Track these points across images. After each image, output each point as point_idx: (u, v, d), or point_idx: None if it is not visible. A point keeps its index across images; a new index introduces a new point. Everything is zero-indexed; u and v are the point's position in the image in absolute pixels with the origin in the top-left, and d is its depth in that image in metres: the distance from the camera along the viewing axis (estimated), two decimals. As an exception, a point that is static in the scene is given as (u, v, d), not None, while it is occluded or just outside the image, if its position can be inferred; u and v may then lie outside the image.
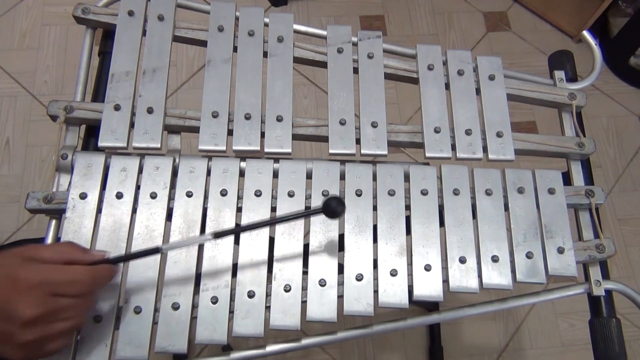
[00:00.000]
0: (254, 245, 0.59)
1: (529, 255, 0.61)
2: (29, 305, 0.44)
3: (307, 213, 0.55)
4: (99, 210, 0.59)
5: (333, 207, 0.53)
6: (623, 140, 1.59)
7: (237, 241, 0.59)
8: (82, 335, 0.54)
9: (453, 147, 0.67)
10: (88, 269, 0.49)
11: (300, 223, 0.60)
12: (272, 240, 0.60)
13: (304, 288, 0.58)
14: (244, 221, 0.60)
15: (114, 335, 0.55)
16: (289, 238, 0.60)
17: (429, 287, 0.59)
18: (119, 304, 0.56)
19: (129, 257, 0.54)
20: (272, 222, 0.56)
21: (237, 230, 0.57)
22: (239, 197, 0.61)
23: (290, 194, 0.62)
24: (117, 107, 0.63)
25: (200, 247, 0.58)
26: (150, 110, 0.64)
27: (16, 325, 0.44)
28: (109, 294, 0.56)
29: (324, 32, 0.72)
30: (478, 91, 0.70)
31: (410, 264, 0.60)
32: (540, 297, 0.63)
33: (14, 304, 0.44)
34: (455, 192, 0.64)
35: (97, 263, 0.51)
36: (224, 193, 0.61)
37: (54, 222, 0.60)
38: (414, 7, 1.73)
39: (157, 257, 0.57)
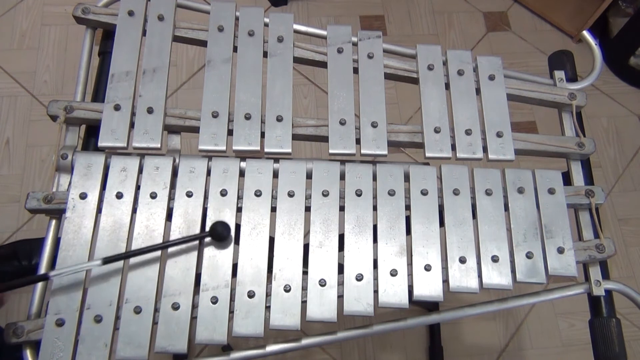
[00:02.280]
0: (254, 245, 0.59)
1: (529, 255, 0.61)
2: None
3: (194, 237, 0.57)
4: (99, 210, 0.59)
5: (219, 231, 0.56)
6: (623, 140, 1.59)
7: (237, 241, 0.59)
8: (82, 335, 0.54)
9: (453, 147, 0.67)
10: None
11: (300, 223, 0.60)
12: (272, 240, 0.60)
13: (304, 288, 0.58)
14: (244, 221, 0.60)
15: (114, 335, 0.55)
16: (289, 238, 0.60)
17: (429, 287, 0.59)
18: (119, 304, 0.56)
19: (13, 285, 0.53)
20: (161, 247, 0.56)
21: (127, 256, 0.56)
22: (239, 197, 0.61)
23: (290, 194, 0.62)
24: (117, 107, 0.63)
25: (201, 247, 0.58)
26: (150, 110, 0.64)
27: None
28: (109, 294, 0.56)
29: (324, 32, 0.72)
30: (478, 91, 0.70)
31: (410, 264, 0.60)
32: (540, 297, 0.63)
33: None
34: (455, 192, 0.64)
35: None
36: (224, 193, 0.61)
37: (54, 222, 0.60)
38: (414, 7, 1.73)
39: (157, 254, 0.57)
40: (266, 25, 0.71)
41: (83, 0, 0.71)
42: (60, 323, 0.54)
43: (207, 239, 0.58)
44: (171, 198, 0.61)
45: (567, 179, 0.68)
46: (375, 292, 0.59)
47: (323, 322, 0.57)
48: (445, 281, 0.60)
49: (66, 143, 0.64)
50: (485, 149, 0.67)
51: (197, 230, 0.59)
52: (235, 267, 0.58)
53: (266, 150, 0.64)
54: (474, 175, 0.65)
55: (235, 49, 0.69)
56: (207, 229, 0.57)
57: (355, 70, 0.70)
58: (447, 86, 0.70)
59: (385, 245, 0.60)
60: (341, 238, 0.60)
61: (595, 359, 0.61)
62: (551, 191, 0.65)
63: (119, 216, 0.59)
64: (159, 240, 0.58)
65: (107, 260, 0.52)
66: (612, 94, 1.65)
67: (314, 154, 1.45)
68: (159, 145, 0.63)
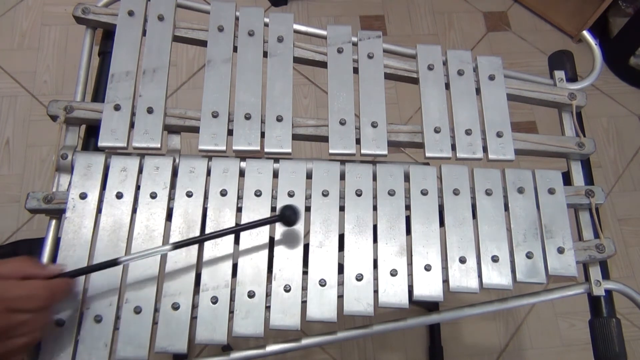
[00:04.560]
0: (254, 245, 0.59)
1: (529, 255, 0.61)
2: None
3: (265, 221, 0.57)
4: (99, 210, 0.59)
5: (288, 215, 0.56)
6: (623, 140, 1.59)
7: (237, 241, 0.59)
8: (82, 335, 0.54)
9: (453, 147, 0.67)
10: (45, 284, 0.49)
11: (300, 223, 0.60)
12: (272, 240, 0.60)
13: (304, 288, 0.58)
14: (244, 221, 0.60)
15: (114, 335, 0.55)
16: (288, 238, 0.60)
17: (429, 287, 0.59)
18: (119, 304, 0.56)
19: (86, 270, 0.54)
20: (233, 231, 0.56)
21: (198, 240, 0.56)
22: (239, 197, 0.61)
23: (290, 194, 0.62)
24: (117, 107, 0.63)
25: (200, 247, 0.58)
26: (150, 110, 0.64)
27: None
28: (109, 294, 0.56)
29: (324, 32, 0.72)
30: (478, 91, 0.70)
31: (410, 264, 0.60)
32: (540, 297, 0.63)
33: None
34: (455, 192, 0.64)
35: (55, 277, 0.51)
36: (224, 193, 0.61)
37: (54, 222, 0.60)
38: (414, 7, 1.73)
39: (157, 257, 0.57)
40: (266, 25, 0.71)
41: (83, 0, 0.71)
42: (60, 323, 0.54)
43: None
44: (171, 198, 0.61)
45: (567, 179, 0.68)
46: (375, 292, 0.59)
47: (323, 322, 0.57)
48: (445, 281, 0.60)
49: (66, 143, 0.64)
50: (485, 149, 0.67)
51: (197, 231, 0.59)
52: (235, 267, 0.58)
53: (266, 150, 0.64)
54: (474, 175, 0.65)
55: (235, 49, 0.69)
56: (277, 212, 0.57)
57: (355, 70, 0.70)
58: (447, 86, 0.70)
59: (385, 245, 0.60)
60: (341, 238, 0.60)
61: (595, 359, 0.61)
62: (551, 191, 0.65)
63: (119, 216, 0.59)
64: (158, 240, 0.58)
65: (177, 245, 0.52)
66: (612, 94, 1.65)
67: (314, 154, 1.45)
68: (159, 145, 0.63)
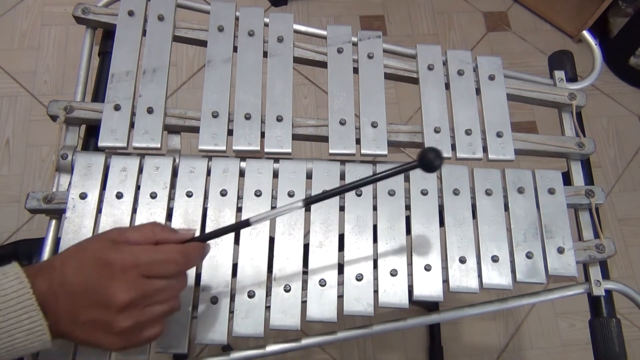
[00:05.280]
0: (254, 245, 0.59)
1: (529, 255, 0.61)
2: (123, 290, 0.42)
3: (403, 168, 0.48)
4: (99, 210, 0.59)
5: (430, 159, 0.47)
6: (623, 140, 1.59)
7: (237, 241, 0.59)
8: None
9: (453, 147, 0.67)
10: (180, 248, 0.46)
11: (300, 223, 0.60)
12: (272, 240, 0.60)
13: (304, 288, 0.58)
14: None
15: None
16: (289, 238, 0.60)
17: (429, 287, 0.59)
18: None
19: (218, 232, 0.50)
20: (369, 181, 0.50)
21: (327, 196, 0.50)
22: (239, 197, 0.61)
23: (290, 194, 0.62)
24: (117, 107, 0.63)
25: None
26: (150, 110, 0.64)
27: (113, 311, 0.42)
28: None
29: (324, 32, 0.72)
30: (478, 91, 0.70)
31: (410, 264, 0.60)
32: (540, 297, 0.63)
33: (109, 289, 0.42)
34: (455, 192, 0.64)
35: (187, 242, 0.48)
36: (224, 193, 0.61)
37: (54, 222, 0.60)
38: (414, 7, 1.73)
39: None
40: (266, 25, 0.71)
41: (83, 0, 0.71)
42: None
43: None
44: (171, 198, 0.61)
45: (567, 179, 0.68)
46: (375, 292, 0.59)
47: (323, 322, 0.57)
48: (445, 281, 0.60)
49: (66, 143, 0.64)
50: (485, 149, 0.67)
51: (197, 231, 0.59)
52: (235, 267, 0.58)
53: (266, 150, 0.64)
54: (474, 175, 0.65)
55: (235, 49, 0.69)
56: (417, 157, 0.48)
57: (355, 70, 0.70)
58: (447, 86, 0.70)
59: (385, 245, 0.60)
60: (341, 238, 0.60)
61: (595, 359, 0.61)
62: (551, 191, 0.65)
63: (119, 216, 0.59)
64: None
65: (307, 202, 0.49)
66: (612, 94, 1.65)
67: (314, 154, 1.45)
68: (159, 145, 0.63)
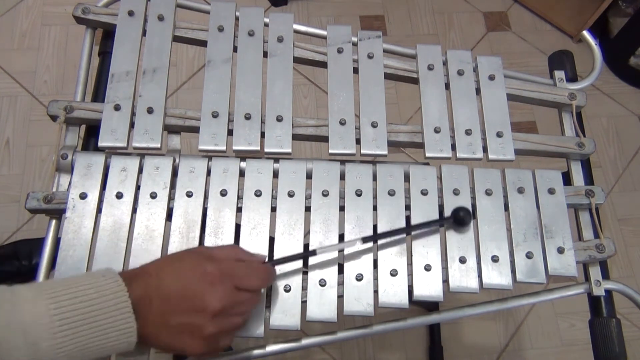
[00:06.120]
0: (254, 245, 0.59)
1: (529, 255, 0.61)
2: (218, 297, 0.46)
3: (437, 221, 0.61)
4: (99, 210, 0.59)
5: (462, 217, 0.59)
6: (623, 140, 1.59)
7: (237, 241, 0.59)
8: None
9: (453, 147, 0.67)
10: (262, 266, 0.52)
11: (300, 223, 0.60)
12: (272, 240, 0.60)
13: (304, 288, 0.58)
14: (244, 221, 0.60)
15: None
16: (289, 238, 0.60)
17: (429, 287, 0.59)
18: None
19: (286, 259, 0.56)
20: (406, 231, 0.60)
21: (377, 237, 0.60)
22: (239, 197, 0.61)
23: (290, 194, 0.62)
24: (117, 107, 0.63)
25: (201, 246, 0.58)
26: (150, 110, 0.64)
27: (205, 316, 0.46)
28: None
29: (324, 32, 0.72)
30: (478, 91, 0.70)
31: (410, 264, 0.60)
32: (540, 297, 0.63)
33: (205, 296, 0.46)
34: (455, 192, 0.64)
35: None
36: (224, 193, 0.61)
37: (54, 222, 0.60)
38: (414, 7, 1.73)
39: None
40: (266, 25, 0.71)
41: (83, 0, 0.71)
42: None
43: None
44: (171, 198, 0.61)
45: (567, 179, 0.68)
46: (375, 292, 0.59)
47: (323, 322, 0.57)
48: (445, 281, 0.60)
49: (66, 143, 0.64)
50: (485, 149, 0.67)
51: (197, 232, 0.59)
52: (235, 267, 0.58)
53: (266, 150, 0.64)
54: (474, 175, 0.65)
55: (235, 49, 0.69)
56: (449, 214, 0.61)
57: (355, 70, 0.70)
58: (447, 86, 0.70)
59: (385, 245, 0.60)
60: (341, 238, 0.60)
61: (595, 359, 0.61)
62: (551, 191, 0.65)
63: (119, 216, 0.59)
64: (158, 240, 0.58)
65: (365, 240, 0.58)
66: (612, 94, 1.65)
67: (314, 154, 1.45)
68: (159, 145, 0.63)
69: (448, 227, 0.62)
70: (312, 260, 0.59)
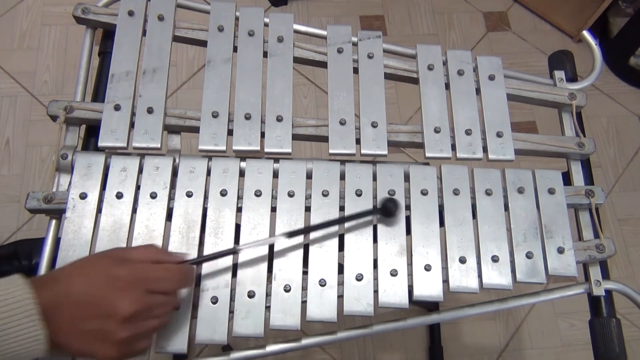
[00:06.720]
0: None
1: (529, 255, 0.61)
2: (129, 302, 0.45)
3: (365, 213, 0.60)
4: (99, 210, 0.59)
5: (388, 208, 0.59)
6: (623, 140, 1.59)
7: (237, 241, 0.59)
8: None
9: (453, 147, 0.67)
10: (178, 267, 0.51)
11: (300, 223, 0.60)
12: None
13: (304, 288, 0.58)
14: (244, 221, 0.60)
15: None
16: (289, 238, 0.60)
17: (429, 287, 0.59)
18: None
19: (206, 258, 0.56)
20: (337, 222, 0.59)
21: (307, 230, 0.59)
22: (239, 197, 0.61)
23: (290, 194, 0.62)
24: (117, 107, 0.63)
25: (201, 246, 0.58)
26: (150, 110, 0.64)
27: (116, 321, 0.45)
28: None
29: (324, 32, 0.72)
30: (478, 91, 0.70)
31: (410, 264, 0.60)
32: (540, 297, 0.63)
33: (115, 301, 0.45)
34: (455, 192, 0.64)
35: (180, 264, 0.52)
36: (224, 193, 0.61)
37: (54, 222, 0.60)
38: (414, 7, 1.73)
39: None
40: (266, 25, 0.71)
41: (83, 0, 0.71)
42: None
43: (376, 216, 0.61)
44: (171, 198, 0.61)
45: (567, 179, 0.68)
46: (375, 292, 0.59)
47: (323, 322, 0.57)
48: (445, 281, 0.60)
49: (66, 143, 0.64)
50: (485, 149, 0.67)
51: (197, 232, 0.59)
52: (235, 267, 0.58)
53: (266, 150, 0.64)
54: (474, 175, 0.65)
55: (235, 49, 0.69)
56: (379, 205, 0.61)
57: (355, 70, 0.70)
58: (447, 86, 0.70)
59: (385, 245, 0.60)
60: (341, 238, 0.60)
61: (595, 359, 0.61)
62: (551, 191, 0.65)
63: (119, 216, 0.59)
64: (159, 241, 0.58)
65: (291, 235, 0.57)
66: (612, 94, 1.65)
67: (314, 154, 1.45)
68: (159, 145, 0.63)
69: (379, 220, 0.61)
70: (312, 260, 0.59)
